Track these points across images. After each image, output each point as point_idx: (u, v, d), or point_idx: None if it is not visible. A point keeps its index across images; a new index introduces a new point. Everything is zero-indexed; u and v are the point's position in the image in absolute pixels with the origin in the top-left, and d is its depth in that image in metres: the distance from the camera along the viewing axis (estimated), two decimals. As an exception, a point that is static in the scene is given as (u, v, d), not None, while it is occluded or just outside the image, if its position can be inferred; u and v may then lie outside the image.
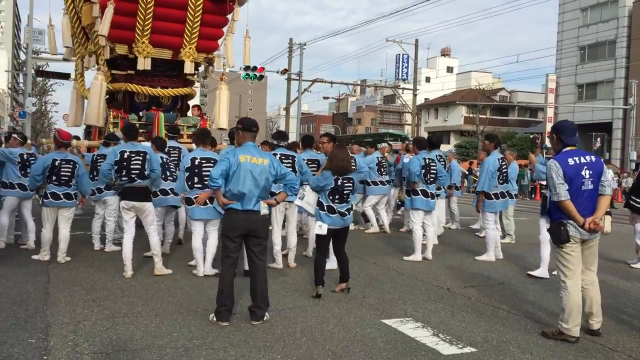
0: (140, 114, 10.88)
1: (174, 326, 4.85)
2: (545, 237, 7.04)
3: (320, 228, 5.86)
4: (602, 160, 5.13)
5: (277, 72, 32.73)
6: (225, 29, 11.02)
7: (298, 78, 34.00)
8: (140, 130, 10.34)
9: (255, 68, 28.54)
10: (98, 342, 4.42)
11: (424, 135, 53.23)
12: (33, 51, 24.99)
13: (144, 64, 10.28)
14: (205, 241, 6.93)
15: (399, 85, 46.12)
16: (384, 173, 10.92)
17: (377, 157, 10.96)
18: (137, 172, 6.74)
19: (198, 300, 5.73)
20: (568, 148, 4.87)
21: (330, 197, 5.96)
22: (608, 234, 5.08)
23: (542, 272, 7.42)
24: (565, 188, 4.67)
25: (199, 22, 10.45)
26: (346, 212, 6.03)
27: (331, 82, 37.29)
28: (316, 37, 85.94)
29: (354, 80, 61.59)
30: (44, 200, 7.44)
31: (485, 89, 48.77)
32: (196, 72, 11.69)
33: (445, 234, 11.29)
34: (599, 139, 38.68)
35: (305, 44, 34.43)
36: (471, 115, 50.80)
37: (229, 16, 10.87)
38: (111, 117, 10.26)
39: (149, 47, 10.30)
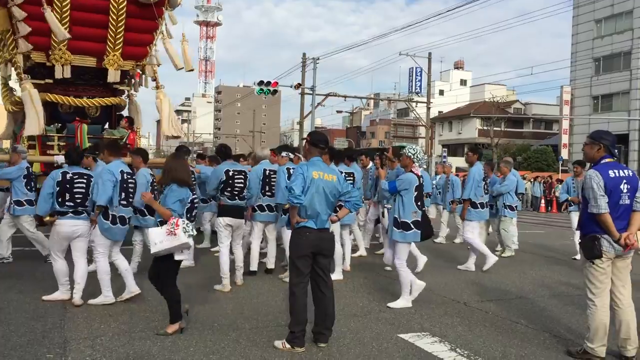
0: (67, 124, 10.04)
1: (190, 341, 4.85)
2: (402, 260, 6.29)
3: (155, 246, 4.99)
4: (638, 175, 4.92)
5: (291, 87, 32.84)
6: (156, 34, 10.28)
7: (312, 92, 34.08)
8: (61, 144, 9.63)
9: (269, 83, 28.74)
10: (115, 357, 4.44)
11: (438, 148, 53.10)
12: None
13: (62, 72, 9.53)
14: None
15: (413, 99, 46.16)
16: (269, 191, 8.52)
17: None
18: (239, 190, 7.11)
19: (214, 315, 5.73)
20: (607, 160, 4.69)
21: (189, 215, 5.24)
22: None
23: (402, 302, 6.24)
24: (606, 200, 4.49)
25: (122, 27, 9.68)
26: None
27: (345, 96, 37.46)
28: (329, 52, 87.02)
29: (367, 94, 61.73)
30: None
31: (499, 102, 48.58)
32: (126, 80, 10.87)
33: (457, 247, 11.22)
34: (615, 151, 38.20)
35: (318, 59, 34.54)
36: (485, 127, 50.58)
37: (167, 20, 10.21)
38: None
39: (67, 53, 9.57)
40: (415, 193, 6.20)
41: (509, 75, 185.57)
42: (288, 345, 4.68)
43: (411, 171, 6.29)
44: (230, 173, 7.12)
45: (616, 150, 4.78)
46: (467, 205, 8.65)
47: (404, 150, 6.43)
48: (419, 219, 6.23)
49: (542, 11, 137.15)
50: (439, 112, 59.83)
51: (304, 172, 4.77)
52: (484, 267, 8.56)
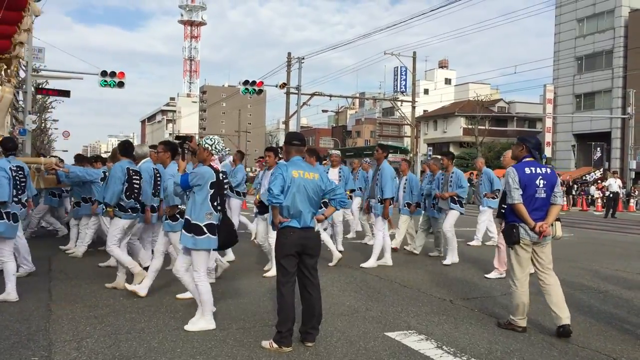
0: None
1: (177, 342, 4.84)
2: (200, 272, 5.27)
3: None
4: (556, 172, 5.78)
5: (276, 86, 32.78)
6: (20, 27, 9.50)
7: (297, 92, 34.08)
8: None
9: (254, 82, 28.66)
10: (101, 359, 4.41)
11: (424, 147, 53.32)
12: (33, 69, 25.00)
13: None
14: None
15: (398, 98, 46.33)
16: (157, 192, 7.63)
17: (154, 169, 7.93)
18: (137, 190, 7.00)
19: (201, 315, 5.71)
20: (528, 159, 5.36)
21: None
22: (559, 239, 5.38)
23: (203, 324, 5.25)
24: (519, 193, 5.15)
25: None
26: None
27: (330, 96, 37.47)
28: (315, 51, 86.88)
29: (352, 93, 61.88)
30: None
31: (484, 100, 48.91)
32: None
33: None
34: (598, 149, 38.77)
35: (304, 58, 34.52)
36: (470, 126, 50.90)
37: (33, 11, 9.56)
38: None
39: None
40: (212, 191, 5.23)
41: (493, 74, 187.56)
42: (275, 345, 4.67)
43: (210, 165, 5.37)
44: (131, 172, 6.95)
45: (536, 153, 5.40)
46: (389, 204, 8.62)
47: (201, 142, 5.46)
48: (215, 222, 5.26)
49: (526, 10, 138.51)
50: (424, 111, 60.12)
51: (283, 172, 4.78)
52: (363, 264, 8.71)
